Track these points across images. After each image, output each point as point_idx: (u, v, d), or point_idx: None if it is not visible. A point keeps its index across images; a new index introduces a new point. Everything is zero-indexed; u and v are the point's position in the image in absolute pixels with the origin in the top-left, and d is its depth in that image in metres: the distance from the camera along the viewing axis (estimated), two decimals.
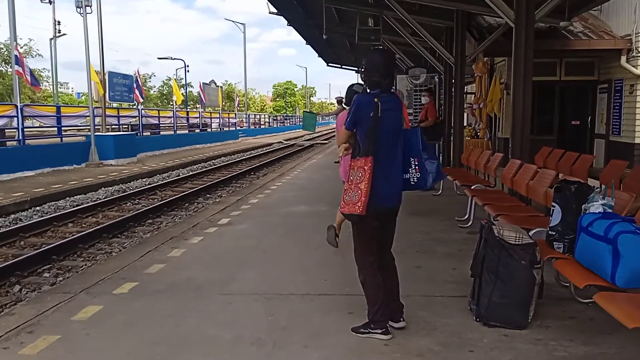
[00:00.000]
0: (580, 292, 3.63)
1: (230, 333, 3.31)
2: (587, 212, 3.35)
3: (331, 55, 25.11)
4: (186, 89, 43.33)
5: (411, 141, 3.29)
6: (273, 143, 29.70)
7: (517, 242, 3.30)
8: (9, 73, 29.15)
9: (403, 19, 11.40)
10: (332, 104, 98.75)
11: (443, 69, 13.04)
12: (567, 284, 3.94)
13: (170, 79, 55.24)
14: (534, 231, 3.91)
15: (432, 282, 4.22)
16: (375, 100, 3.11)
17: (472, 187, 6.56)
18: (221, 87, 41.42)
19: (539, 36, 7.79)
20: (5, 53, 30.69)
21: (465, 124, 14.97)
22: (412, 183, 3.30)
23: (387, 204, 3.20)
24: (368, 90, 3.27)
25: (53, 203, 9.71)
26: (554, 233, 3.62)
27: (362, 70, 3.29)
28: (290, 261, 4.97)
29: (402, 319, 3.34)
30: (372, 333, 3.20)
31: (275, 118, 56.16)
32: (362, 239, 3.25)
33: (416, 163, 3.27)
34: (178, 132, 24.86)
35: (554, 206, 3.67)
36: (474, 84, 15.28)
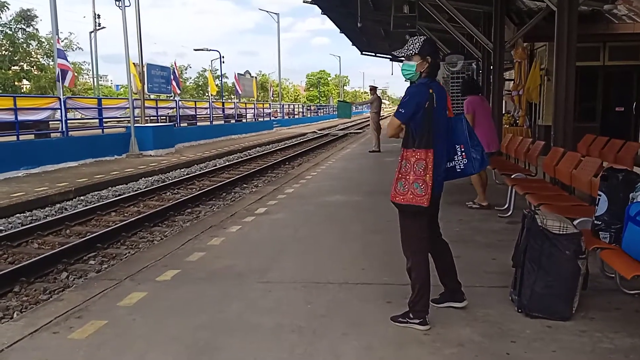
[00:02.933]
0: (626, 283, 3.54)
1: (271, 320, 3.37)
2: (635, 201, 3.25)
3: (365, 43, 24.92)
4: (221, 80, 43.72)
5: (457, 128, 3.29)
6: (307, 133, 29.77)
7: (561, 232, 3.22)
8: (51, 66, 30.06)
9: (440, 5, 11.20)
10: (365, 92, 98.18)
11: (481, 55, 12.79)
12: (613, 275, 3.83)
13: (205, 71, 55.89)
14: (578, 221, 3.81)
15: (472, 273, 4.17)
16: (430, 91, 3.10)
17: (512, 176, 6.43)
18: (255, 77, 41.67)
19: (581, 20, 7.53)
20: (47, 47, 31.61)
21: (503, 112, 14.65)
22: (459, 170, 3.30)
23: (438, 191, 3.25)
24: (412, 81, 3.28)
25: (96, 193, 10.02)
26: (600, 223, 3.52)
27: (413, 56, 3.18)
28: (327, 250, 5.00)
29: (465, 298, 3.44)
30: (411, 323, 3.20)
31: (308, 108, 56.18)
32: (417, 228, 3.23)
33: (462, 150, 3.27)
34: (214, 122, 25.18)
35: (599, 195, 3.57)
36: (513, 70, 14.92)
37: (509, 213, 6.20)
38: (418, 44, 3.15)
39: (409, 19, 13.05)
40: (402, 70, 3.24)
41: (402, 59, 3.25)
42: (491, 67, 11.63)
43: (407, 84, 8.83)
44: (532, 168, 7.15)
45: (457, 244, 5.03)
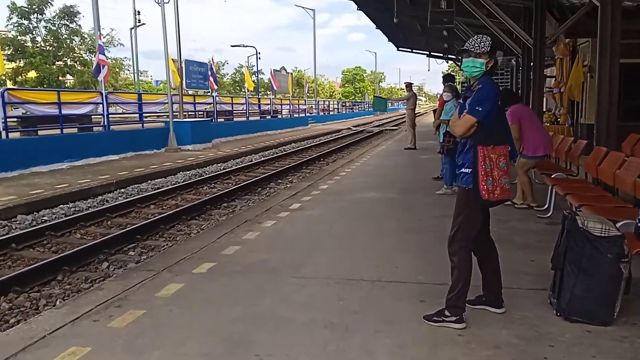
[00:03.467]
0: None
1: (304, 315, 3.39)
2: None
3: (401, 39, 24.66)
4: (257, 76, 44.16)
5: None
6: (342, 129, 29.75)
7: (603, 234, 3.13)
8: (94, 62, 30.94)
9: (478, 0, 10.99)
10: (401, 89, 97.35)
11: (521, 51, 12.50)
12: None
13: (242, 67, 56.48)
14: (621, 223, 3.69)
15: (509, 274, 4.07)
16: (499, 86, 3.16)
17: (553, 176, 6.27)
18: (291, 73, 41.90)
19: (625, 15, 7.27)
20: (90, 43, 32.52)
21: (544, 109, 14.28)
22: None
23: None
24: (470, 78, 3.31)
25: (136, 185, 10.27)
26: None
27: (482, 54, 3.17)
28: (361, 247, 5.00)
29: (503, 305, 3.39)
30: (446, 321, 3.18)
31: (344, 104, 56.12)
32: (473, 223, 3.24)
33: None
34: (250, 118, 25.45)
35: None
36: (554, 67, 14.52)
37: (549, 214, 6.05)
38: (488, 42, 3.18)
39: (447, 14, 12.84)
40: (470, 67, 3.20)
41: (464, 55, 3.24)
42: (531, 63, 11.35)
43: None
44: (573, 168, 6.96)
45: (495, 244, 4.96)
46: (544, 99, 14.19)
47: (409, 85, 15.27)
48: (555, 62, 14.12)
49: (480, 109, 3.08)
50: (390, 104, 49.76)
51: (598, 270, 3.13)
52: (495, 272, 3.41)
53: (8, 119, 11.64)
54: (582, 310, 3.18)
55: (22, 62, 31.26)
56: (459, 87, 17.93)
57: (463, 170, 3.22)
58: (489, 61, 3.18)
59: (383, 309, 3.48)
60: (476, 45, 3.17)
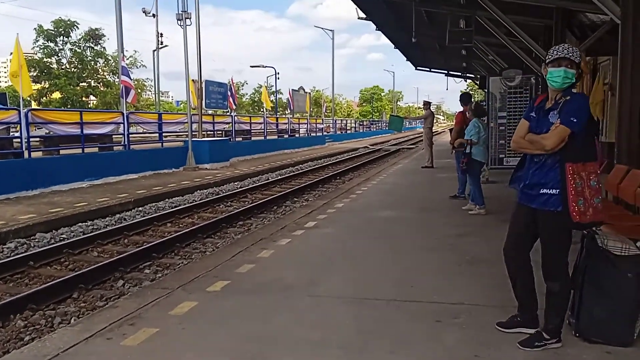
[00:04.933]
0: None
1: (318, 334, 3.35)
2: None
3: (420, 58, 24.72)
4: (276, 95, 44.64)
5: None
6: (359, 148, 29.75)
7: (623, 253, 3.05)
8: (117, 83, 31.62)
9: (497, 19, 10.98)
10: (419, 107, 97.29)
11: (540, 69, 12.40)
12: None
13: (261, 87, 57.15)
14: None
15: None
16: None
17: None
18: (309, 93, 42.21)
19: None
20: (113, 64, 33.28)
21: None
22: None
23: None
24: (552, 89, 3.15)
25: (154, 204, 10.36)
26: None
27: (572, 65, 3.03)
28: (376, 266, 4.94)
29: (539, 325, 3.28)
30: (549, 344, 3.08)
31: (361, 123, 56.26)
32: (565, 248, 3.11)
33: None
34: (268, 137, 25.62)
35: None
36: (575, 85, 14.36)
37: None
38: (578, 53, 3.04)
39: (465, 33, 12.84)
40: (562, 77, 3.02)
41: (553, 64, 3.06)
42: None
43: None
44: None
45: None
46: None
47: (427, 104, 15.26)
48: None
49: (576, 120, 2.93)
50: (407, 122, 49.81)
51: (618, 290, 3.04)
52: (532, 292, 3.29)
53: (31, 139, 11.88)
54: (602, 331, 3.08)
55: (47, 83, 32.11)
56: None
57: (545, 191, 3.03)
58: (576, 72, 3.05)
59: (398, 329, 3.43)
60: (571, 53, 3.02)
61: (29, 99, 33.38)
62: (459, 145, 8.16)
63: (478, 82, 26.07)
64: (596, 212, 2.95)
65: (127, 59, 31.51)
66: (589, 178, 2.95)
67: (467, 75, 27.09)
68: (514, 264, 3.29)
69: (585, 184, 2.93)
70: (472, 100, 9.52)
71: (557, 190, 2.98)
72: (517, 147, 3.25)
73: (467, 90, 39.23)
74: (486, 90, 14.09)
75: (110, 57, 34.33)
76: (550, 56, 3.07)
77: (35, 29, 31.70)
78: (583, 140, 2.97)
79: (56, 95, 32.66)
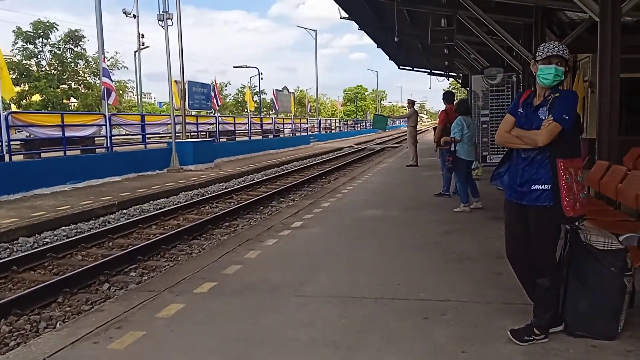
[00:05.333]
0: None
1: (305, 334, 3.35)
2: None
3: (403, 57, 24.85)
4: (260, 96, 44.50)
5: None
6: (344, 147, 29.82)
7: (606, 248, 3.10)
8: (98, 85, 31.25)
9: (478, 18, 11.08)
10: (403, 106, 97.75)
11: (521, 67, 12.55)
12: None
13: (244, 87, 56.93)
14: (624, 236, 3.64)
15: (514, 289, 4.03)
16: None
17: None
18: (293, 93, 42.17)
19: (625, 31, 7.30)
20: (94, 66, 32.88)
21: None
22: None
23: None
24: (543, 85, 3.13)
25: (138, 206, 10.27)
26: None
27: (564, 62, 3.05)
28: (362, 265, 4.96)
29: (562, 322, 3.26)
30: (537, 339, 3.10)
31: (345, 123, 56.36)
32: (555, 241, 3.16)
33: None
34: (252, 138, 25.55)
35: None
36: None
37: None
38: (567, 50, 3.05)
39: (447, 32, 12.94)
40: (553, 75, 3.03)
41: (543, 62, 3.05)
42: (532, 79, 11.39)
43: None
44: None
45: (498, 260, 4.92)
46: None
47: (411, 103, 15.34)
48: None
49: (568, 117, 2.97)
50: (391, 121, 49.96)
51: (602, 284, 3.09)
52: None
53: (12, 142, 11.71)
54: (587, 325, 3.13)
55: (26, 85, 31.60)
56: None
57: (537, 187, 3.06)
58: (565, 70, 3.08)
59: (386, 327, 3.44)
60: (562, 51, 3.03)
61: (8, 102, 32.86)
62: (443, 144, 8.22)
63: (460, 81, 26.31)
64: (582, 206, 3.00)
65: (108, 60, 31.21)
66: (576, 173, 2.99)
67: (450, 73, 27.29)
68: (521, 266, 3.27)
69: (574, 179, 2.97)
70: (455, 98, 9.60)
71: (549, 186, 3.00)
72: (502, 141, 3.26)
73: (450, 88, 39.54)
74: (468, 89, 14.21)
75: (90, 59, 33.85)
76: (541, 53, 3.08)
77: (14, 31, 31.19)
78: (571, 137, 3.02)
79: (36, 97, 32.13)
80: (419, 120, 15.80)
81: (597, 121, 6.59)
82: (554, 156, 2.99)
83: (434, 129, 11.95)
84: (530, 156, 3.10)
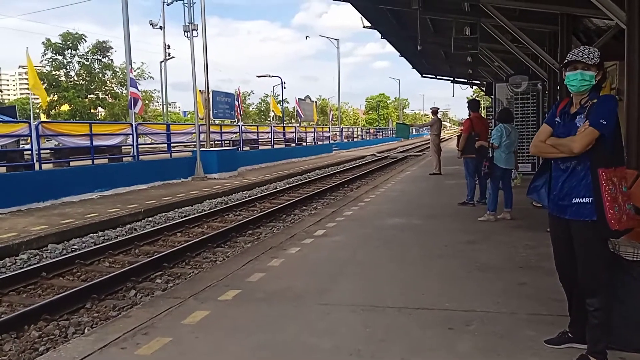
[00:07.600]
0: None
1: (329, 343, 3.36)
2: None
3: (425, 65, 24.80)
4: (282, 104, 44.80)
5: None
6: (366, 155, 29.77)
7: (635, 259, 3.05)
8: (124, 95, 31.92)
9: (502, 26, 11.02)
10: (425, 115, 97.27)
11: (547, 75, 12.41)
12: None
13: (267, 96, 57.44)
14: None
15: (539, 300, 4.00)
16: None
17: None
18: (316, 102, 42.41)
19: None
20: (121, 76, 33.59)
21: None
22: None
23: None
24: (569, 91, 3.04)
25: (163, 214, 10.42)
26: None
27: (592, 66, 2.90)
28: (385, 273, 4.95)
29: None
30: None
31: (367, 131, 56.30)
32: (604, 258, 2.96)
33: None
34: (275, 146, 25.71)
35: None
36: None
37: None
38: (597, 53, 2.91)
39: (471, 40, 12.89)
40: (578, 80, 2.91)
41: (569, 68, 2.96)
42: (558, 87, 11.25)
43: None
44: None
45: (523, 270, 4.88)
46: None
47: (434, 111, 15.28)
48: None
49: (605, 122, 2.78)
50: (413, 130, 49.75)
51: (631, 295, 3.03)
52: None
53: (41, 151, 12.01)
54: (616, 338, 3.07)
55: (55, 95, 32.44)
56: (484, 112, 17.82)
57: (578, 200, 2.88)
58: (597, 74, 2.91)
59: (409, 337, 3.43)
60: (585, 56, 2.89)
61: (37, 111, 33.75)
62: (479, 148, 8.10)
63: (484, 89, 26.09)
64: (629, 219, 2.81)
65: (135, 70, 31.84)
66: (621, 183, 2.80)
67: (473, 81, 27.10)
68: (567, 279, 3.13)
69: (618, 189, 2.79)
70: (481, 106, 9.53)
71: (590, 199, 2.83)
72: (537, 152, 3.12)
73: (474, 96, 39.19)
74: (493, 97, 14.09)
75: (117, 69, 34.65)
76: (566, 60, 2.99)
77: (43, 42, 32.11)
78: (613, 144, 2.84)
79: (65, 107, 32.97)
80: (442, 128, 15.70)
81: (625, 129, 6.47)
82: (595, 166, 2.81)
83: (458, 136, 11.86)
84: (569, 167, 2.94)
